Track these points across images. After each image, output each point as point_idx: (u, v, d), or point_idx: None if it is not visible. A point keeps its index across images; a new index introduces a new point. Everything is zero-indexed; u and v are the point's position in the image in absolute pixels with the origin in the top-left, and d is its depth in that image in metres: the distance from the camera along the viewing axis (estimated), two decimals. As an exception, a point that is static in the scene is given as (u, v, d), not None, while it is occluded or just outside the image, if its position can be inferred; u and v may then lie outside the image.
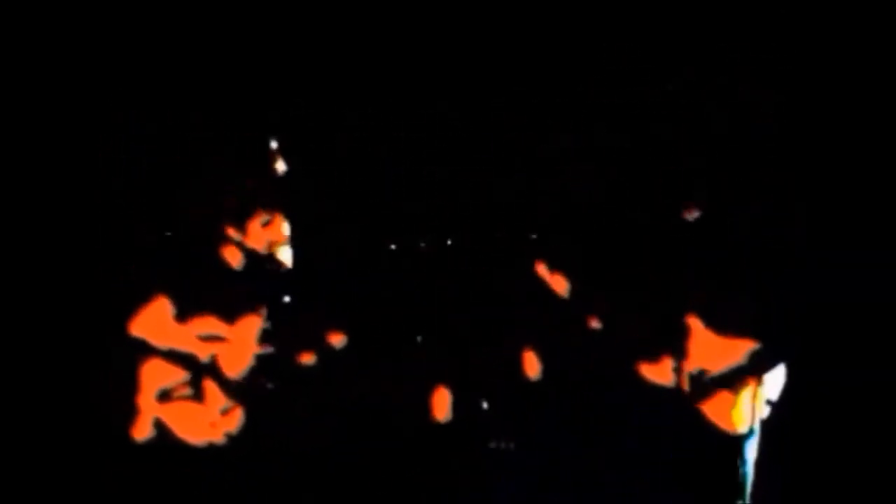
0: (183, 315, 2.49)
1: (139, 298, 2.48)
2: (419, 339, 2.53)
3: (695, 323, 2.51)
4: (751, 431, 2.49)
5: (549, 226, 2.56)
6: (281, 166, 2.56)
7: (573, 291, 2.54)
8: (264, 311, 2.52)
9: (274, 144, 2.56)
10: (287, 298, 2.53)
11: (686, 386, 2.49)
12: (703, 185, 2.56)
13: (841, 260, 2.52)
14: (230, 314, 2.51)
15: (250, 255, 2.54)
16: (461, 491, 2.50)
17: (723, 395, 2.49)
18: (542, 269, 2.55)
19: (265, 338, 2.51)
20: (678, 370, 2.50)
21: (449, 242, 2.56)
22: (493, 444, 2.51)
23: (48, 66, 2.53)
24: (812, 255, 2.52)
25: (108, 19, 2.54)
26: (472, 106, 2.58)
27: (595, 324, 2.52)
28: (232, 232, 2.53)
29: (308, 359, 2.52)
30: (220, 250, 2.53)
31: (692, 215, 2.54)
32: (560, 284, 2.54)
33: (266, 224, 2.54)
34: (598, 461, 2.49)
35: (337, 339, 2.52)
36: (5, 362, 2.46)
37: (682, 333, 2.50)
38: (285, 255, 2.55)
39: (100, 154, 2.53)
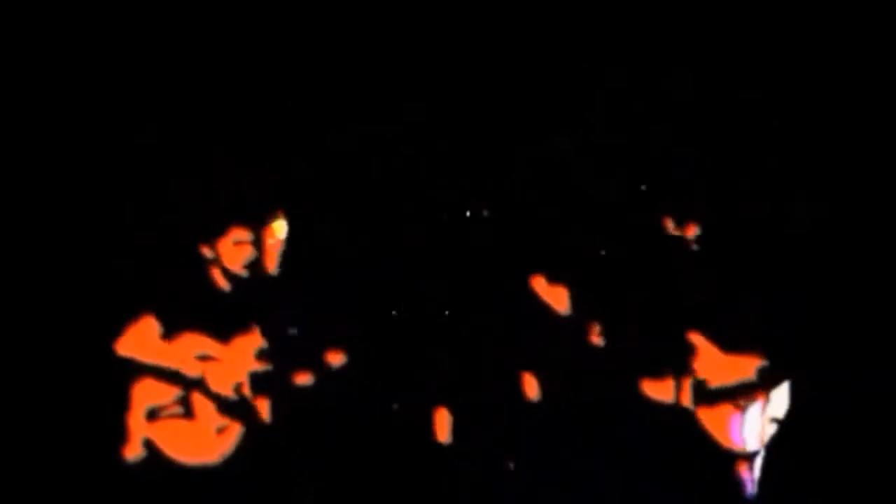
0: (172, 333, 2.47)
1: (128, 316, 2.47)
2: (419, 351, 2.52)
3: (698, 339, 2.50)
4: (757, 451, 2.48)
5: (552, 238, 2.56)
6: (277, 176, 2.55)
7: (575, 306, 2.53)
8: (257, 328, 2.50)
9: (271, 149, 2.55)
10: (280, 314, 2.52)
11: (690, 403, 2.48)
12: (705, 194, 2.56)
13: (845, 268, 2.52)
14: (222, 331, 2.49)
15: (242, 270, 2.53)
16: None
17: (728, 412, 2.48)
18: (543, 283, 2.54)
19: (259, 355, 2.49)
20: (681, 386, 2.49)
21: (447, 249, 2.56)
22: (494, 464, 2.50)
23: (49, 69, 2.53)
24: (815, 261, 2.53)
25: (109, 21, 2.54)
26: (476, 111, 2.58)
27: (598, 340, 2.52)
28: (221, 248, 2.52)
29: (303, 376, 2.50)
30: (210, 267, 2.52)
31: (693, 226, 2.54)
32: (561, 299, 2.54)
33: (256, 240, 2.53)
34: (601, 479, 2.49)
35: (332, 354, 2.51)
36: None
37: (686, 349, 2.50)
38: (277, 270, 2.54)
39: (92, 167, 2.52)
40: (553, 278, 2.54)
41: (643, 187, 2.55)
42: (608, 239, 2.55)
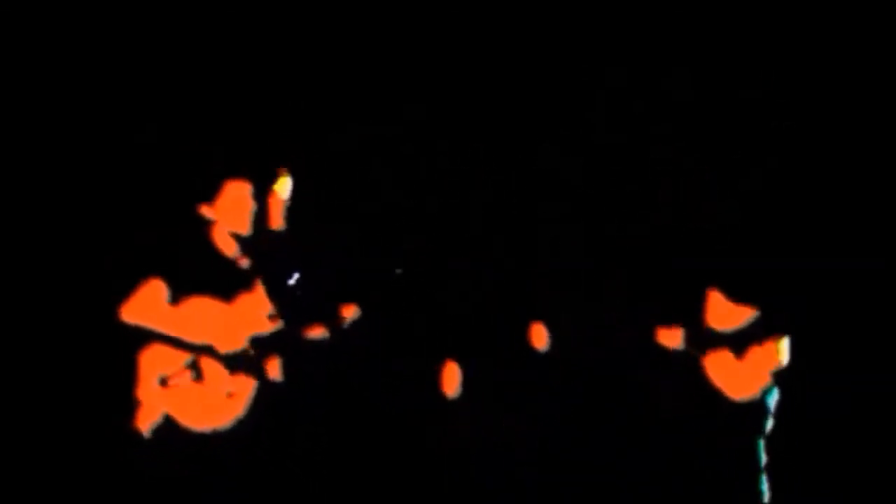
0: (177, 297, 2.48)
1: (131, 284, 2.48)
2: (423, 316, 2.53)
3: (711, 295, 2.52)
4: (767, 399, 2.49)
5: (558, 210, 2.57)
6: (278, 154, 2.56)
7: (583, 270, 2.55)
8: (262, 291, 2.51)
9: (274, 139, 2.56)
10: (285, 276, 2.52)
11: (698, 350, 2.50)
12: (704, 194, 2.57)
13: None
14: (227, 295, 2.50)
15: (247, 234, 2.54)
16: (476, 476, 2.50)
17: (735, 364, 2.49)
18: (550, 247, 2.55)
19: (265, 314, 2.50)
20: (690, 334, 2.51)
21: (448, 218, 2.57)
22: (504, 419, 2.50)
23: (50, 67, 2.54)
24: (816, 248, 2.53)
25: (110, 20, 2.55)
26: (476, 111, 2.59)
27: (606, 300, 2.53)
28: (227, 214, 2.53)
29: (311, 336, 2.51)
30: (214, 232, 2.53)
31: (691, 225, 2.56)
32: (569, 266, 2.55)
33: (261, 205, 2.54)
34: (611, 440, 2.49)
35: (338, 317, 2.52)
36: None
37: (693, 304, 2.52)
38: (282, 235, 2.54)
39: (90, 139, 2.53)
40: (563, 255, 2.56)
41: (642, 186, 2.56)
42: (607, 238, 2.56)
